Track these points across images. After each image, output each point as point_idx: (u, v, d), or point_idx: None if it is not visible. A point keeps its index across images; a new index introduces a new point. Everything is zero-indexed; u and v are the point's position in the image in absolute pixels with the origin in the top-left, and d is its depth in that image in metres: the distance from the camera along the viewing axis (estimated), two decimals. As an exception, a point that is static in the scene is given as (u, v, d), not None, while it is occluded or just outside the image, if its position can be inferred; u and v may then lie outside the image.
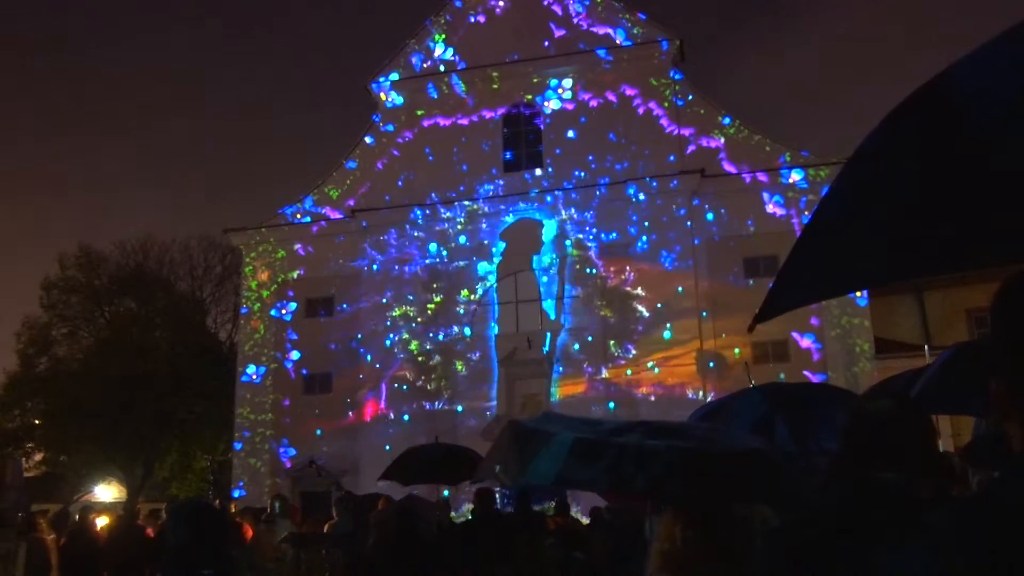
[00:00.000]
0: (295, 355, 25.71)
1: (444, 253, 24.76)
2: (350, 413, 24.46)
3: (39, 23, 77.67)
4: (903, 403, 2.07)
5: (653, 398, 21.79)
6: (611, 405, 22.12)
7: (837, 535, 1.66)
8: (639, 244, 23.36)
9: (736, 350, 21.60)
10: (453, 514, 13.91)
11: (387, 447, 20.08)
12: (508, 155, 25.27)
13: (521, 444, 2.90)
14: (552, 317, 23.57)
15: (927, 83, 1.15)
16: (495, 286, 24.28)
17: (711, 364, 21.95)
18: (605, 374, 22.78)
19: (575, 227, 23.91)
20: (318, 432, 24.42)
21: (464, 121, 25.62)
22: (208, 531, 3.80)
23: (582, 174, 24.28)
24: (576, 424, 2.89)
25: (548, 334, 23.39)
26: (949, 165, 1.12)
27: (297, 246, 26.43)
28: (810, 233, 1.35)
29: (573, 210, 24.03)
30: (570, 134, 24.65)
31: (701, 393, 21.26)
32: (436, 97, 25.93)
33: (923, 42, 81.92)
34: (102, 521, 15.21)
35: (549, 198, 24.18)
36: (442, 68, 26.11)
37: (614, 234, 23.61)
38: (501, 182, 24.93)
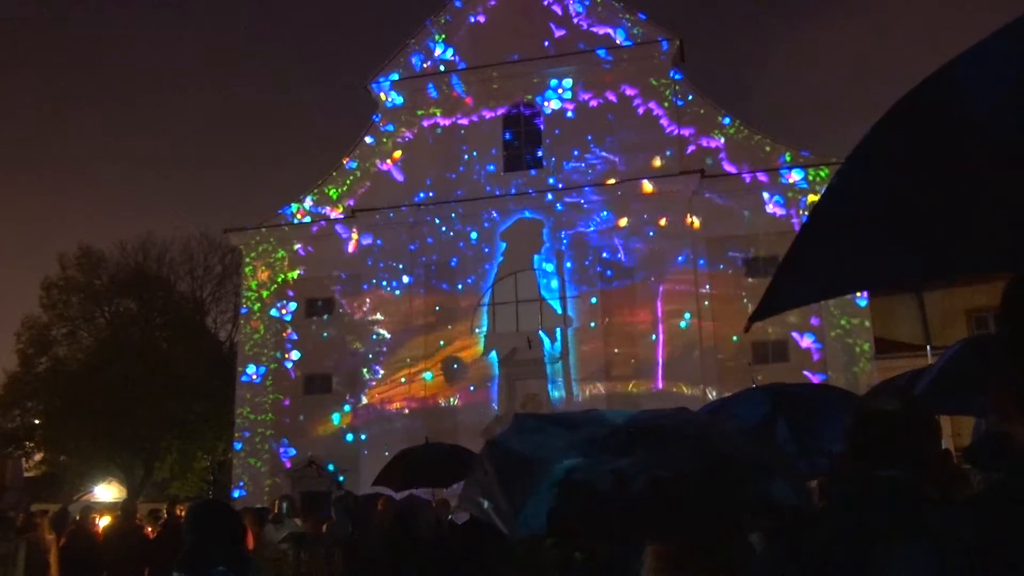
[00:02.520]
0: (295, 355, 25.69)
1: (443, 253, 24.74)
2: (350, 413, 24.45)
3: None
4: (907, 402, 2.05)
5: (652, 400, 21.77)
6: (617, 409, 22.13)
7: (838, 535, 1.65)
8: (639, 243, 23.32)
9: (734, 337, 21.62)
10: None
11: (387, 447, 20.05)
12: (508, 154, 25.26)
13: (509, 481, 2.61)
14: (559, 312, 23.54)
15: (928, 78, 1.13)
16: (494, 285, 24.25)
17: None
18: (605, 374, 22.79)
19: (574, 226, 23.87)
20: (316, 439, 24.42)
21: (464, 121, 25.60)
22: (222, 529, 3.83)
23: (582, 173, 24.24)
24: (557, 443, 2.70)
25: (543, 332, 23.37)
26: (954, 162, 1.10)
27: (297, 246, 26.40)
28: (810, 230, 1.32)
29: (572, 210, 23.98)
30: (570, 134, 24.61)
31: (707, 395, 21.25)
32: (436, 97, 25.91)
33: (924, 41, 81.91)
34: (104, 521, 15.19)
35: (549, 197, 24.14)
36: (442, 68, 26.09)
37: (614, 233, 23.58)
38: (499, 180, 24.92)
